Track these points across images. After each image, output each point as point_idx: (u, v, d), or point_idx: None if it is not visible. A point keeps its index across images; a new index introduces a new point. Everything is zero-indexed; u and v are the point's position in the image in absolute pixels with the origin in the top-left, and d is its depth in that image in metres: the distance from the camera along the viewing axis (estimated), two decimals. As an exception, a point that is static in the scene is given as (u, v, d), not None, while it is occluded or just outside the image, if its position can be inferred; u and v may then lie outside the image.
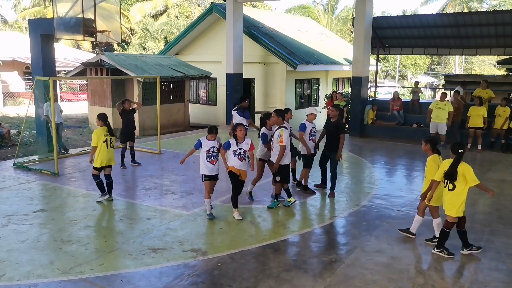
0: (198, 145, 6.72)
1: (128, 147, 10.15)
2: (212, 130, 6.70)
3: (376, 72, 19.62)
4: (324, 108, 17.37)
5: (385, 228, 6.53)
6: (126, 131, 10.05)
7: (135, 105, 10.48)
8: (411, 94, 16.02)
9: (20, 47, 24.83)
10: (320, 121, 19.98)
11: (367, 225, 6.66)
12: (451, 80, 19.40)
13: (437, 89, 35.31)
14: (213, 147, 6.70)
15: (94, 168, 7.46)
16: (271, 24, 20.49)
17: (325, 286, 4.77)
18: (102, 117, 7.54)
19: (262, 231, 6.38)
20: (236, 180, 6.75)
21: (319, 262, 5.37)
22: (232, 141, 6.70)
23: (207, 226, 6.52)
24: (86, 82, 20.34)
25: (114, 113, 16.07)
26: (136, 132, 15.97)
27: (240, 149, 6.66)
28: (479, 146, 12.27)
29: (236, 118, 9.44)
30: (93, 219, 6.68)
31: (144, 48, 34.76)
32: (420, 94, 15.93)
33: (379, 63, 23.14)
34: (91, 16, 10.98)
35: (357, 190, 8.78)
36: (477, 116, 12.16)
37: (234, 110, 9.79)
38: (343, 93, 19.92)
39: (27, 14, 34.66)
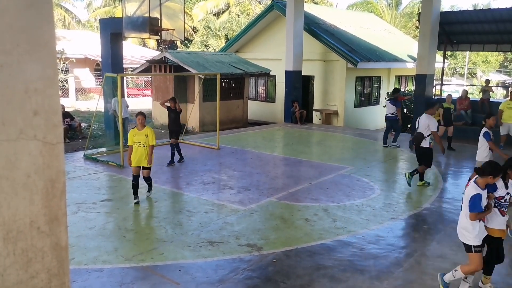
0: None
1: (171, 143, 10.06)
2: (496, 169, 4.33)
3: (443, 70, 18.76)
4: (385, 107, 16.84)
5: (448, 232, 6.24)
6: (169, 128, 10.17)
7: (171, 105, 10.03)
8: (481, 93, 15.14)
9: (92, 45, 26.35)
10: (379, 118, 19.49)
11: (428, 228, 6.40)
12: (526, 79, 18.06)
13: (510, 88, 33.08)
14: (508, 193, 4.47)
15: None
16: (332, 20, 20.19)
17: (382, 289, 4.65)
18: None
19: (317, 230, 6.33)
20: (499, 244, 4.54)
21: (376, 264, 5.24)
22: (499, 184, 4.45)
23: (263, 222, 6.58)
24: (150, 79, 21.18)
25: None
26: (196, 127, 16.45)
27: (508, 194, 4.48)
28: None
29: (389, 106, 12.25)
30: (154, 210, 6.97)
31: (206, 46, 35.57)
32: (490, 93, 15.00)
33: (446, 60, 22.08)
34: (157, 15, 11.42)
35: (419, 192, 8.45)
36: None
37: (387, 100, 12.74)
38: (406, 92, 19.25)
39: (98, 14, 36.64)
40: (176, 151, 10.07)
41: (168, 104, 9.91)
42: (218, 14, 37.35)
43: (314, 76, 18.68)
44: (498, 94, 32.17)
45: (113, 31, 11.64)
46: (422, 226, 6.50)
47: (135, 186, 7.21)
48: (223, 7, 36.90)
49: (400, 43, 23.46)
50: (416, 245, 5.82)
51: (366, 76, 18.99)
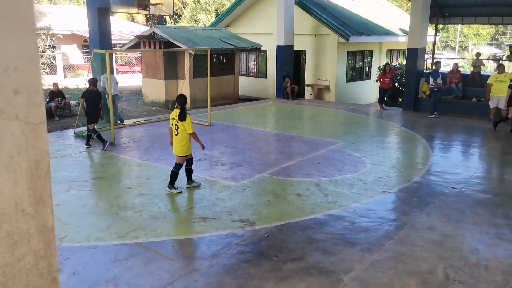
0: None
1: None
2: None
3: (434, 43, 18.70)
4: (377, 81, 16.82)
5: (437, 205, 6.34)
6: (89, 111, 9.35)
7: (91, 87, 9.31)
8: (472, 67, 15.14)
9: (79, 20, 25.76)
10: (371, 93, 19.47)
11: (418, 201, 6.49)
12: (517, 51, 18.07)
13: (500, 61, 33.13)
14: None
15: None
16: (324, -7, 19.88)
17: (372, 261, 4.74)
18: (178, 99, 6.73)
19: (309, 204, 6.38)
20: None
21: (367, 237, 5.32)
22: None
23: (255, 197, 6.62)
24: (140, 55, 20.86)
25: (167, 86, 16.48)
26: (188, 104, 16.33)
27: None
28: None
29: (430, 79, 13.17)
30: (147, 187, 6.97)
31: (196, 21, 35.00)
32: (482, 67, 15.00)
33: (437, 34, 21.94)
34: (145, -11, 11.18)
35: (409, 166, 8.54)
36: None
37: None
38: (397, 65, 19.19)
39: (85, -11, 35.73)
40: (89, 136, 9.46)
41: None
42: (207, -13, 36.59)
43: (305, 51, 18.52)
44: (489, 68, 32.20)
45: (100, 5, 11.37)
46: (412, 199, 6.58)
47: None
48: (212, -20, 36.14)
49: (392, 16, 23.25)
50: (406, 218, 5.91)
51: (358, 50, 18.86)
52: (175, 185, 6.74)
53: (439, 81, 13.24)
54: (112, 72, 11.96)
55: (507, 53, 23.85)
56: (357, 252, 4.93)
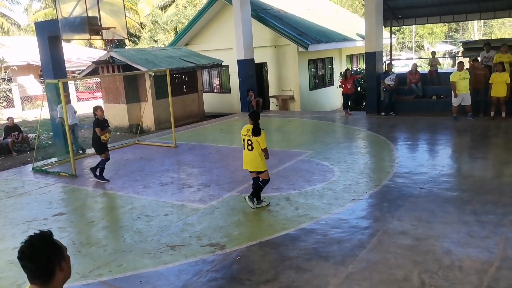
0: None
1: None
2: None
3: (391, 45, 19.11)
4: (339, 87, 16.99)
5: (407, 207, 6.32)
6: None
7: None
8: (429, 66, 15.51)
9: (34, 50, 25.01)
10: (335, 99, 19.65)
11: (389, 206, 6.45)
12: (470, 47, 18.69)
13: (456, 57, 34.25)
14: None
15: None
16: (279, 5, 20.05)
17: (347, 274, 4.62)
18: (251, 115, 6.61)
19: (280, 220, 6.24)
20: None
21: (340, 248, 5.21)
22: None
23: (224, 218, 6.43)
24: (100, 80, 20.41)
25: (129, 109, 16.13)
26: (152, 126, 16.03)
27: None
28: (503, 114, 11.79)
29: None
30: (111, 219, 6.67)
31: (155, 41, 34.69)
32: (438, 65, 15.39)
33: (394, 35, 22.49)
34: (96, 14, 10.90)
35: (377, 170, 8.56)
36: (500, 83, 11.63)
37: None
38: (358, 70, 19.49)
39: (39, 17, 34.87)
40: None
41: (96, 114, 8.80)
42: (164, 7, 36.46)
43: (267, 62, 18.55)
44: (445, 64, 33.23)
45: (50, 34, 11.04)
46: (383, 204, 6.54)
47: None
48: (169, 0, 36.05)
49: (349, 22, 23.69)
50: (378, 224, 5.84)
51: (318, 58, 19.05)
52: (261, 198, 6.72)
53: (387, 81, 13.74)
54: (69, 101, 11.60)
55: (461, 49, 24.67)
56: (331, 266, 4.81)
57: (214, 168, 9.28)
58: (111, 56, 15.61)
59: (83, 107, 22.36)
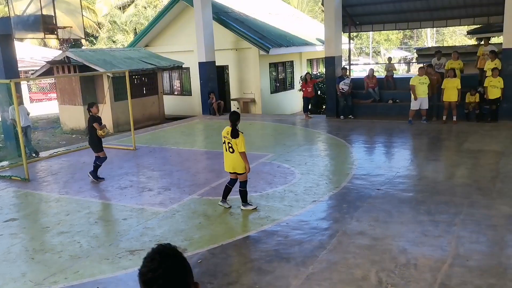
0: None
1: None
2: None
3: (349, 50, 19.58)
4: (300, 90, 17.23)
5: (366, 208, 6.48)
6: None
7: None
8: (386, 71, 16.00)
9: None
10: (295, 103, 19.91)
11: (348, 207, 6.59)
12: (423, 54, 19.47)
13: (411, 63, 35.56)
14: None
15: None
16: (241, 8, 20.12)
17: (308, 275, 4.68)
18: (230, 116, 6.42)
19: (241, 222, 6.25)
20: None
21: (301, 250, 5.27)
22: None
23: (186, 222, 6.35)
24: (55, 81, 19.71)
25: (86, 111, 15.62)
26: (110, 129, 15.63)
27: None
28: (454, 118, 12.34)
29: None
30: (66, 225, 6.43)
31: (114, 42, 33.91)
32: (394, 71, 15.91)
33: (352, 41, 23.06)
34: (51, 12, 10.52)
35: (336, 172, 8.73)
36: (451, 89, 12.17)
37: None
38: (318, 74, 19.84)
39: (-11, 14, 33.28)
40: None
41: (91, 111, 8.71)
42: (123, 7, 35.69)
43: (228, 65, 18.55)
44: (400, 70, 34.41)
45: (1, 32, 10.55)
46: (342, 206, 6.68)
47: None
48: (128, -1, 35.33)
49: (309, 27, 24.08)
50: (337, 225, 5.96)
51: (279, 61, 19.24)
52: (248, 201, 6.65)
53: (342, 85, 14.09)
54: (22, 102, 11.14)
55: (415, 55, 25.65)
56: (292, 267, 4.85)
57: (175, 171, 9.16)
58: (67, 56, 15.11)
59: (37, 109, 21.53)
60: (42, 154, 11.36)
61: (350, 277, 4.58)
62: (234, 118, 6.39)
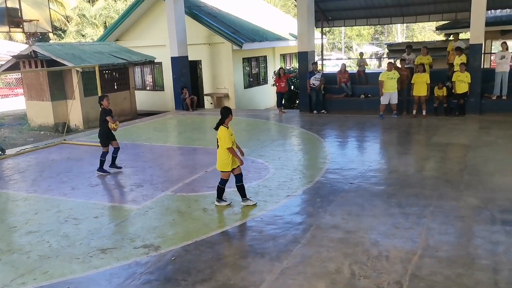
0: None
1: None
2: None
3: (322, 45, 19.72)
4: (273, 85, 17.25)
5: (339, 202, 6.55)
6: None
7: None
8: (358, 66, 16.20)
9: None
10: (269, 97, 19.94)
11: (321, 201, 6.65)
12: (394, 49, 19.81)
13: (381, 58, 36.13)
14: None
15: None
16: (213, 2, 19.95)
17: (282, 269, 4.70)
18: (221, 110, 6.43)
19: (216, 218, 6.22)
20: None
21: (275, 244, 5.29)
22: None
23: (159, 219, 6.28)
24: (21, 76, 19.09)
25: (55, 107, 15.26)
26: (80, 125, 15.29)
27: None
28: (424, 112, 12.62)
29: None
30: (35, 224, 6.25)
31: (83, 36, 33.09)
32: (366, 66, 16.14)
33: (324, 36, 23.24)
34: (16, 5, 10.17)
35: (310, 166, 8.79)
36: (421, 83, 12.43)
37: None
38: (291, 69, 19.91)
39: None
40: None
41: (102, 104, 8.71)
42: (92, 0, 34.85)
43: (201, 60, 18.39)
44: (372, 65, 34.96)
45: (-37, 25, 10.13)
46: (316, 200, 6.73)
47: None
48: (97, -8, 34.51)
49: (282, 22, 24.10)
50: (311, 219, 6.00)
51: (253, 56, 19.20)
52: (223, 198, 6.58)
53: (312, 80, 14.23)
54: (-14, 98, 10.73)
55: (386, 51, 26.08)
56: (266, 262, 4.87)
57: (148, 167, 9.04)
58: (33, 50, 14.63)
59: (3, 105, 20.83)
60: (9, 151, 10.99)
61: (324, 271, 4.62)
62: (222, 111, 6.39)
